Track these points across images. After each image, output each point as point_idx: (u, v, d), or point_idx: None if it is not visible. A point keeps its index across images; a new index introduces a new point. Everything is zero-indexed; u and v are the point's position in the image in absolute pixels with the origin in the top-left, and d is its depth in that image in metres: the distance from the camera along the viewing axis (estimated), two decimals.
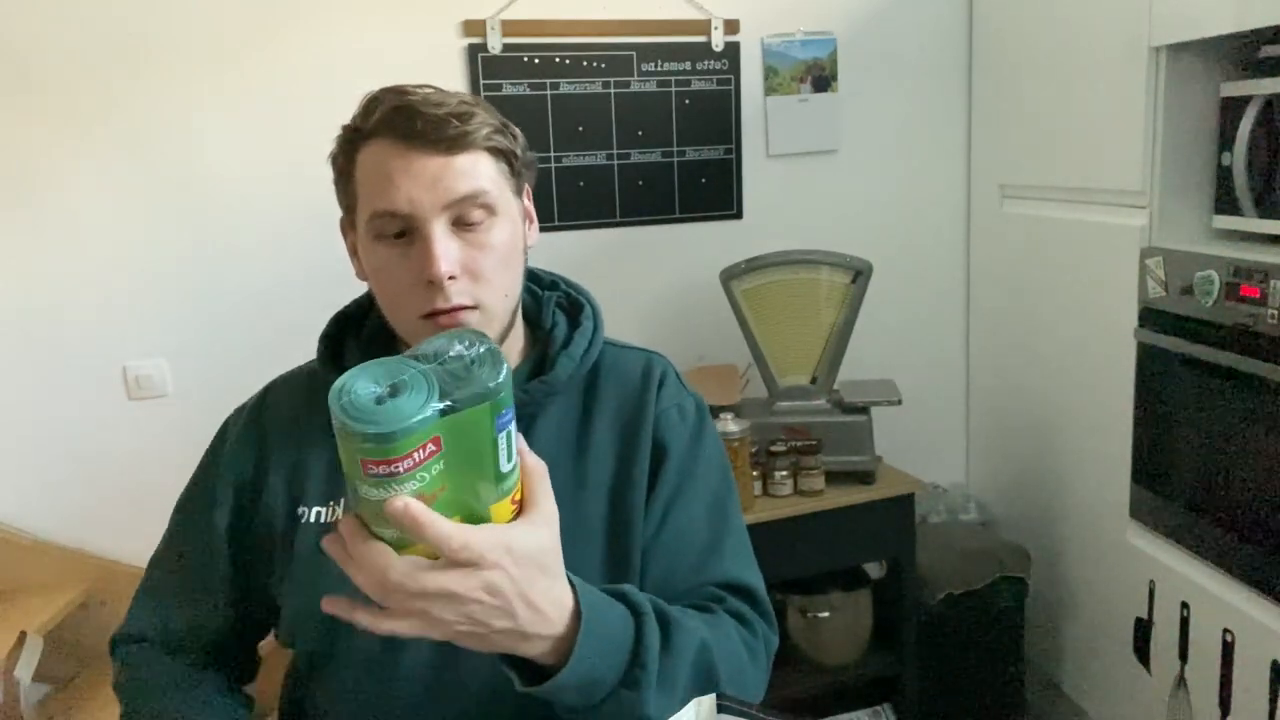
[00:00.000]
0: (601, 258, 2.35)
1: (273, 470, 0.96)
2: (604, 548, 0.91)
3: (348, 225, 0.93)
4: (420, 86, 0.87)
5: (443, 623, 0.63)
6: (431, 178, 0.83)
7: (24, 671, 1.79)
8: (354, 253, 0.93)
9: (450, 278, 0.83)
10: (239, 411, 1.03)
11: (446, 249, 0.83)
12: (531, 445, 0.84)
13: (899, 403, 2.19)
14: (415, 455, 0.57)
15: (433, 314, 0.85)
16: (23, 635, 1.82)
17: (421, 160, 0.83)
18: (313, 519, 0.92)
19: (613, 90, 2.32)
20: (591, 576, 0.79)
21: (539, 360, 0.97)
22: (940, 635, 2.27)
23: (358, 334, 0.99)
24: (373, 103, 0.87)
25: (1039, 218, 2.34)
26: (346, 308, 1.02)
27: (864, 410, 2.18)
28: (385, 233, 0.85)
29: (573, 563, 0.72)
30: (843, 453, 2.15)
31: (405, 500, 0.58)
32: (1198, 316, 1.79)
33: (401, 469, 0.57)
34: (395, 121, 0.84)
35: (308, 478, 0.94)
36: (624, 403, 0.97)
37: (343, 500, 0.92)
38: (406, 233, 0.85)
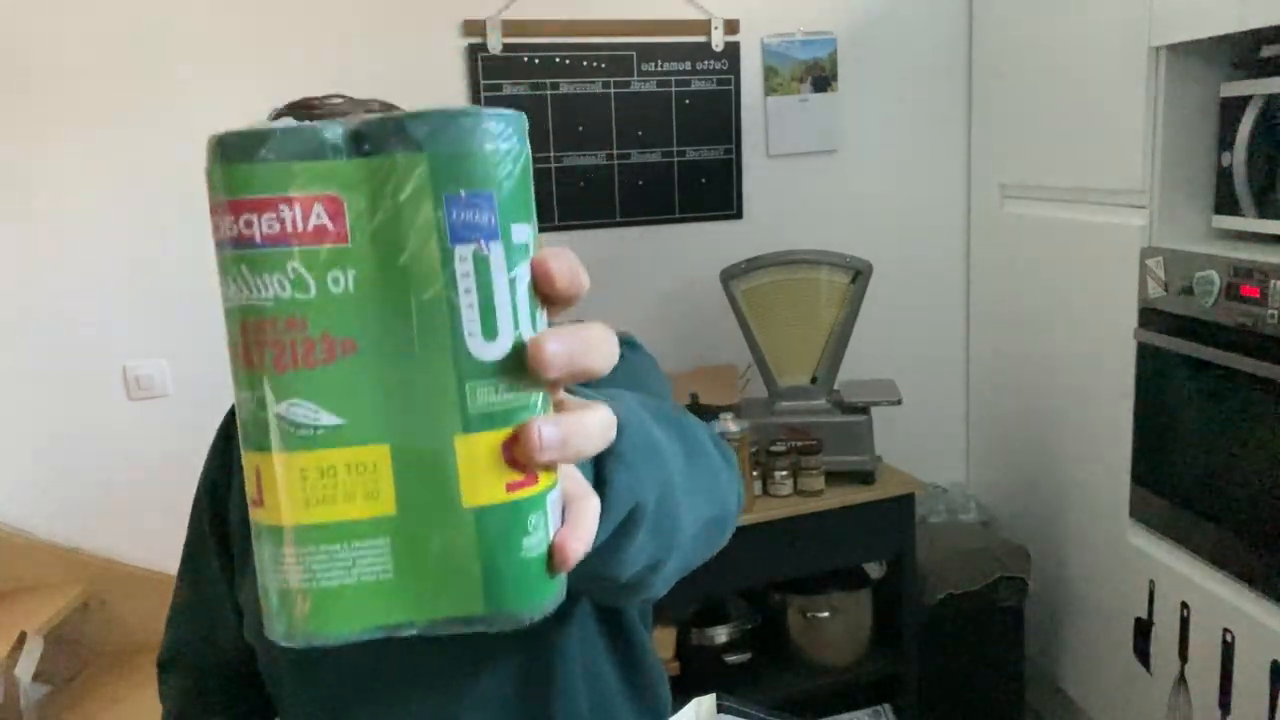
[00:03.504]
0: (601, 258, 2.35)
1: (236, 474, 0.96)
2: None
3: None
4: (329, 98, 0.80)
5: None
6: None
7: (24, 671, 1.79)
8: None
9: None
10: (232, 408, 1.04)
11: None
12: None
13: (899, 403, 2.18)
14: (284, 213, 0.32)
15: None
16: (23, 635, 1.82)
17: None
18: None
19: (613, 90, 2.32)
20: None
21: None
22: (940, 635, 2.27)
23: None
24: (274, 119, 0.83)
25: (1039, 218, 2.34)
26: None
27: (864, 410, 2.18)
28: None
29: None
30: (843, 453, 2.15)
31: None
32: (1198, 316, 1.79)
33: (258, 231, 0.32)
34: None
35: None
36: None
37: None
38: None
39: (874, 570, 2.33)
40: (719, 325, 2.33)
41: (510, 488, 0.33)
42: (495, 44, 2.21)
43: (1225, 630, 1.79)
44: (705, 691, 0.96)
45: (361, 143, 0.32)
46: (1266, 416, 1.67)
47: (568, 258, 0.36)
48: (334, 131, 0.32)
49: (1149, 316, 1.94)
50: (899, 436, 2.44)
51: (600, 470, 0.48)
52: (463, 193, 0.32)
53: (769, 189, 2.49)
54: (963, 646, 2.30)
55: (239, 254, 0.33)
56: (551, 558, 0.35)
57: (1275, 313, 1.61)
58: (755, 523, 2.02)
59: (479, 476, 0.33)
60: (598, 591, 0.57)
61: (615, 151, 2.34)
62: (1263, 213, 1.76)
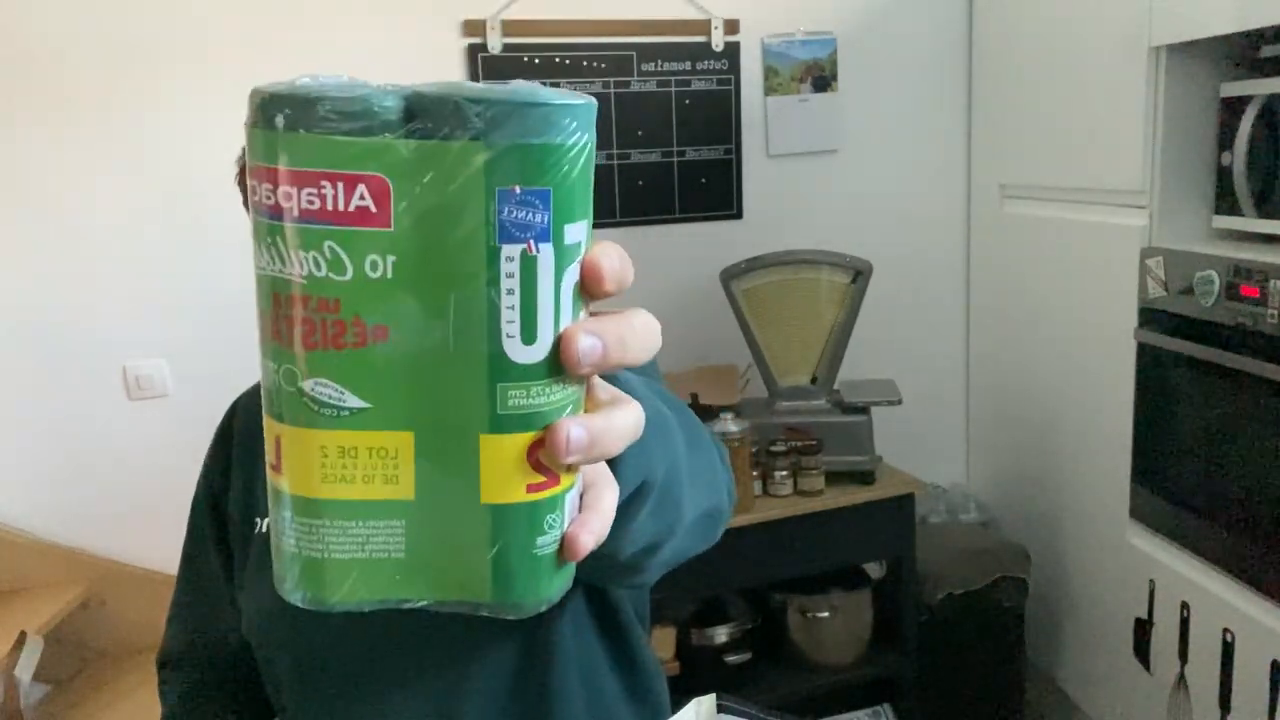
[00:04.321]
0: None
1: (234, 476, 0.97)
2: None
3: None
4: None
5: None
6: None
7: (24, 671, 1.79)
8: None
9: None
10: (230, 409, 1.03)
11: None
12: None
13: (899, 403, 2.18)
14: (325, 189, 0.30)
15: None
16: (23, 635, 1.82)
17: None
18: (265, 529, 0.92)
19: (613, 90, 2.32)
20: None
21: None
22: (940, 635, 2.27)
23: None
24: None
25: (1039, 218, 2.34)
26: None
27: (864, 410, 2.18)
28: None
29: None
30: (843, 453, 2.15)
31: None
32: (1198, 316, 1.79)
33: (296, 205, 0.30)
34: None
35: (257, 487, 0.94)
36: None
37: None
38: None
39: (874, 570, 2.33)
40: (719, 325, 2.33)
41: (531, 489, 0.33)
42: (495, 44, 2.21)
43: (1225, 630, 1.79)
44: (705, 691, 0.96)
45: (415, 119, 0.30)
46: (1266, 416, 1.67)
47: (618, 254, 0.35)
48: (387, 103, 0.30)
49: (1149, 316, 1.94)
50: (899, 436, 2.44)
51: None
52: (518, 189, 0.30)
53: (769, 189, 2.49)
54: (963, 646, 2.30)
55: (273, 224, 0.31)
56: (562, 549, 0.35)
57: (1275, 313, 1.61)
58: (755, 523, 2.02)
59: (501, 476, 0.32)
60: (592, 568, 0.57)
61: (615, 151, 2.34)
62: (1263, 213, 1.76)
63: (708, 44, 2.37)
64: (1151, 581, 2.00)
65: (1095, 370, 2.15)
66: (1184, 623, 1.91)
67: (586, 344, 0.33)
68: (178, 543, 1.04)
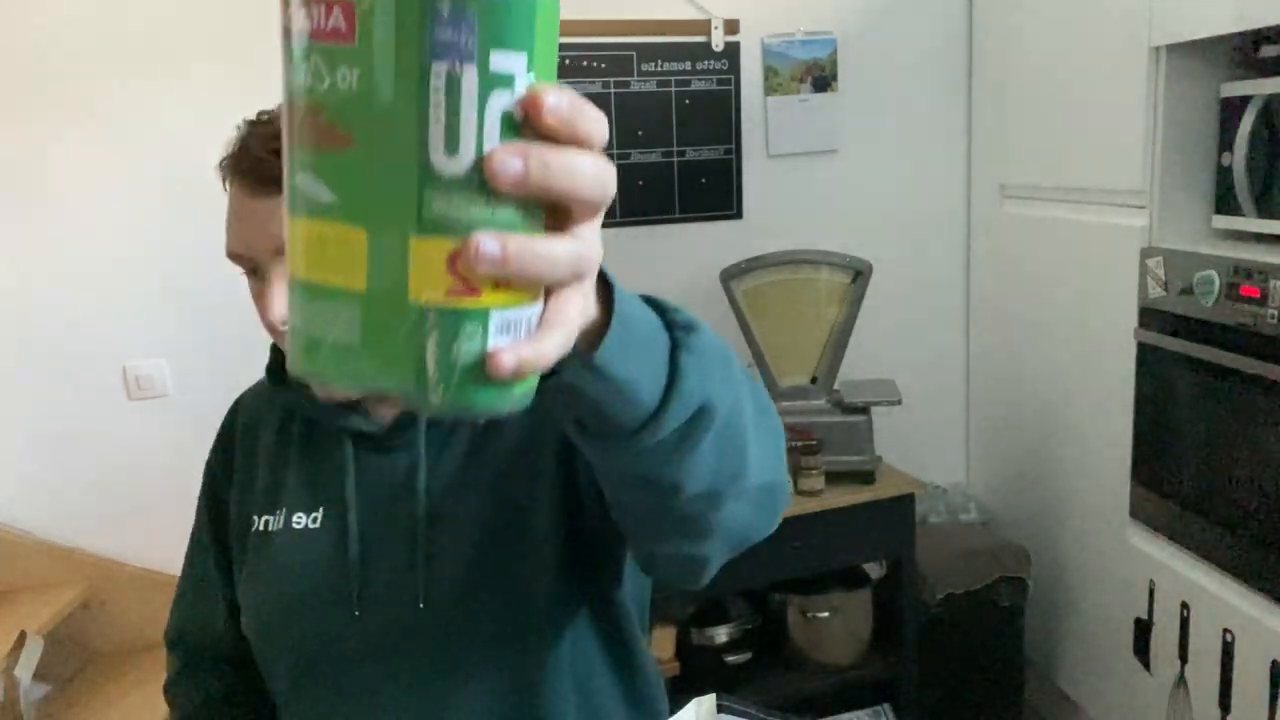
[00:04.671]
0: (602, 258, 2.35)
1: (236, 471, 0.97)
2: (565, 531, 0.85)
3: None
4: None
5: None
6: (260, 220, 0.78)
7: (24, 671, 1.79)
8: None
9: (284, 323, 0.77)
10: (233, 406, 1.04)
11: (277, 296, 0.78)
12: (449, 454, 0.80)
13: (899, 403, 2.18)
14: (313, 11, 0.36)
15: None
16: (23, 635, 1.82)
17: (250, 202, 0.78)
18: (262, 527, 0.92)
19: (613, 90, 2.32)
20: (551, 580, 0.81)
21: None
22: (940, 635, 2.27)
23: None
24: (237, 132, 0.81)
25: (1039, 218, 2.34)
26: None
27: (864, 410, 2.18)
28: (245, 268, 0.82)
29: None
30: (843, 453, 2.15)
31: None
32: (1198, 316, 1.79)
33: (295, 25, 0.37)
34: (238, 158, 0.79)
35: (254, 485, 0.94)
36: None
37: (278, 510, 0.91)
38: (257, 270, 0.81)
39: (874, 570, 2.33)
40: (719, 325, 2.32)
41: (451, 293, 0.36)
42: None
43: (1225, 630, 1.80)
44: (705, 691, 0.96)
45: None
46: (1266, 416, 1.67)
47: (570, 97, 0.37)
48: None
49: (1149, 316, 1.94)
50: (899, 436, 2.44)
51: (674, 361, 0.49)
52: (445, 10, 0.34)
53: (769, 189, 2.49)
54: (963, 646, 2.30)
55: (286, 42, 0.37)
56: (487, 365, 0.37)
57: (1275, 313, 1.61)
58: None
59: (425, 277, 0.36)
60: (656, 511, 0.58)
61: (615, 151, 2.34)
62: (1263, 213, 1.76)
63: (708, 44, 2.37)
64: (1151, 581, 2.00)
65: (1095, 370, 2.15)
66: (1184, 623, 1.91)
67: (503, 159, 0.35)
68: (177, 543, 1.04)
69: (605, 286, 0.48)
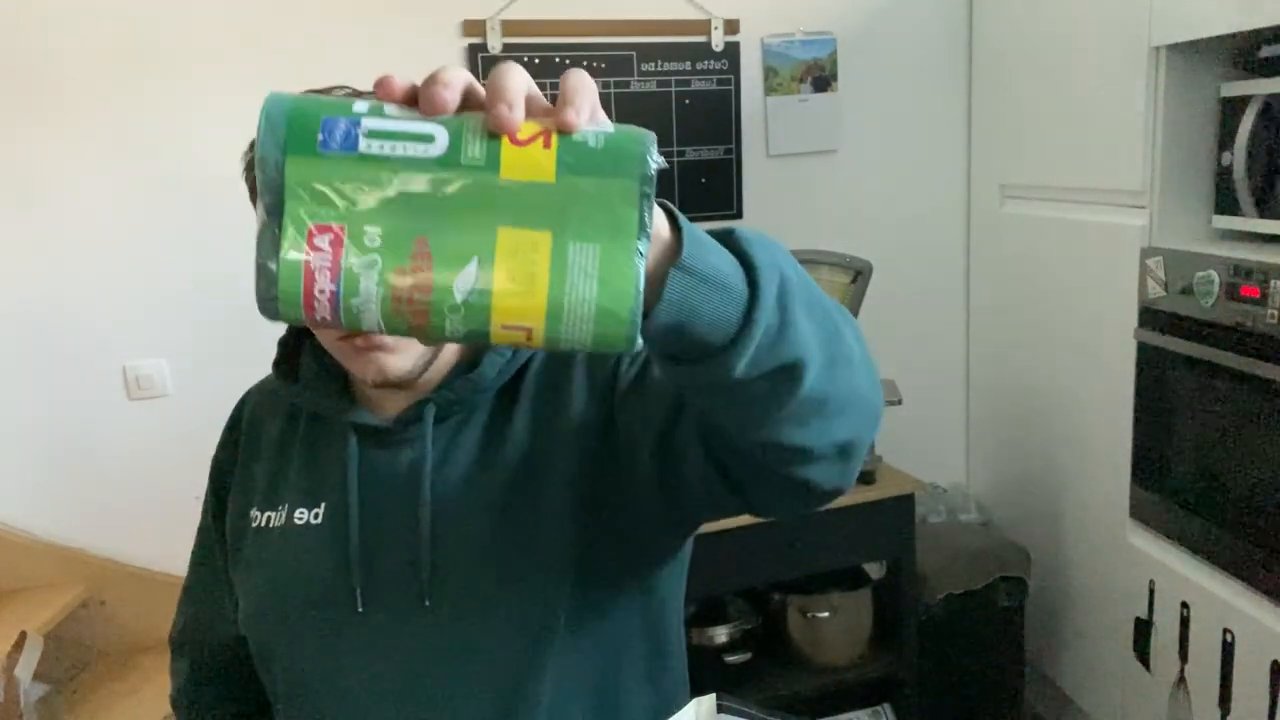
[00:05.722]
0: None
1: (239, 468, 0.97)
2: (576, 532, 0.85)
3: None
4: (334, 89, 0.81)
5: None
6: None
7: (24, 671, 1.79)
8: None
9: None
10: (240, 400, 1.04)
11: None
12: (456, 451, 0.81)
13: (899, 403, 2.18)
14: None
15: (346, 337, 0.81)
16: (23, 635, 1.82)
17: None
18: (263, 523, 0.92)
19: (613, 90, 2.32)
20: (564, 569, 0.81)
21: (474, 361, 0.89)
22: (940, 635, 2.27)
23: (313, 338, 0.94)
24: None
25: (1039, 218, 2.34)
26: None
27: None
28: None
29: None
30: None
31: None
32: (1198, 316, 1.79)
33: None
34: None
35: (256, 479, 0.94)
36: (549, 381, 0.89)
37: (280, 506, 0.91)
38: None
39: (874, 570, 2.33)
40: None
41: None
42: (495, 44, 2.21)
43: (1225, 630, 1.80)
44: (705, 691, 0.95)
45: None
46: (1266, 416, 1.67)
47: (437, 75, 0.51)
48: None
49: (1149, 316, 1.94)
50: (899, 436, 2.44)
51: (738, 251, 0.55)
52: None
53: (769, 189, 2.49)
54: (963, 646, 2.30)
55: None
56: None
57: (1275, 313, 1.61)
58: (755, 523, 2.01)
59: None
60: (775, 399, 0.58)
61: None
62: (1263, 213, 1.76)
63: (708, 44, 2.37)
64: (1151, 581, 2.00)
65: (1095, 370, 2.15)
66: (1184, 623, 1.91)
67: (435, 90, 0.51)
68: (177, 542, 1.04)
69: (670, 216, 0.54)
